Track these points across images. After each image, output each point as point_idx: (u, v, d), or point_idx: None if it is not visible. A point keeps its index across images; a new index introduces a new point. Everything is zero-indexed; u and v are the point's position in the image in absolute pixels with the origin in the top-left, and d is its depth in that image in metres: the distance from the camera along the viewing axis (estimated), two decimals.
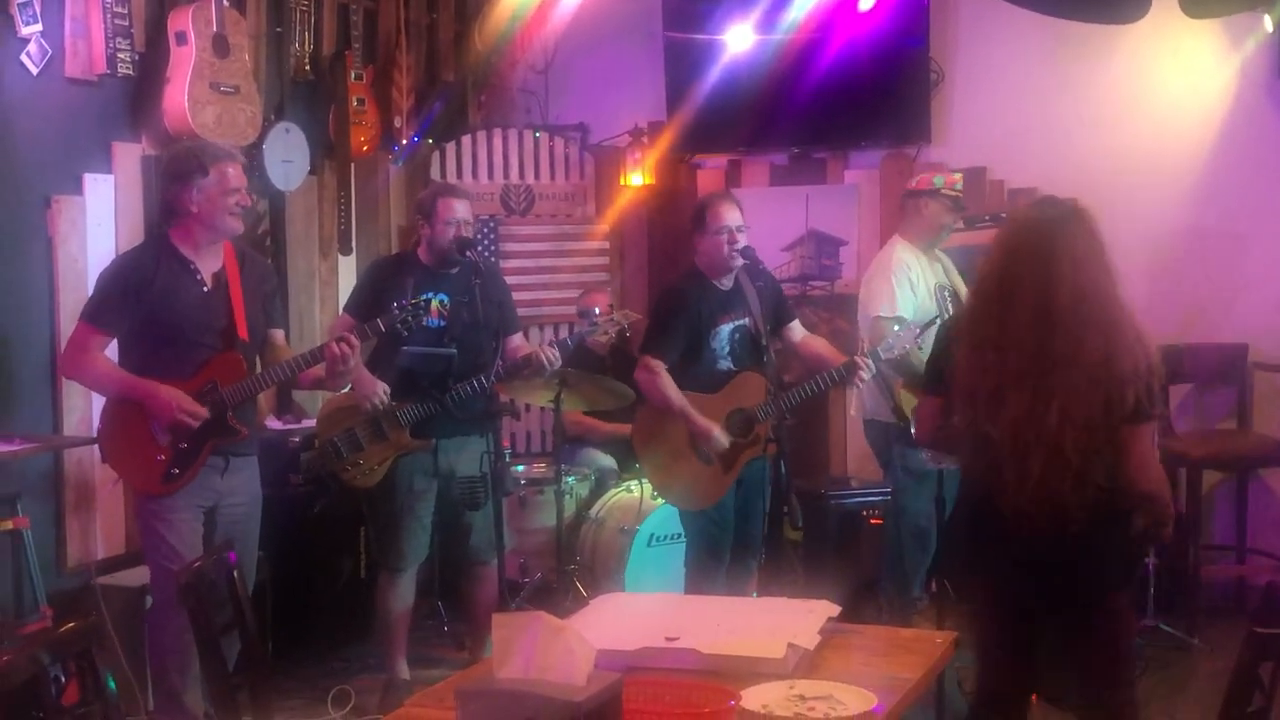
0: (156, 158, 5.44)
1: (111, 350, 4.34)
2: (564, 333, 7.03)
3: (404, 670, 5.07)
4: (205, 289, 4.21)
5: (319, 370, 4.31)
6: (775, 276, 5.49)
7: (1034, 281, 3.19)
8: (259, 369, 4.31)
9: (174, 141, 5.37)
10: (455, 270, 4.90)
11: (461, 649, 5.52)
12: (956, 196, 5.39)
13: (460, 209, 4.91)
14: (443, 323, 4.83)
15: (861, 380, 4.88)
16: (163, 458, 4.14)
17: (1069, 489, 3.15)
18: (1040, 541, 3.21)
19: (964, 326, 3.37)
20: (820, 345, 5.21)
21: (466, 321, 4.84)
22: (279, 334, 4.48)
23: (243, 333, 4.22)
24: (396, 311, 4.44)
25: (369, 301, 4.86)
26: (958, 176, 5.52)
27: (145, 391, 4.11)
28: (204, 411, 4.11)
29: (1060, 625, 3.36)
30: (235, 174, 4.20)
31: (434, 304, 4.74)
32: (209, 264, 4.23)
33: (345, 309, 5.07)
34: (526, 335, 5.76)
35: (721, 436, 4.83)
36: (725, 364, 4.94)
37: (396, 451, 4.86)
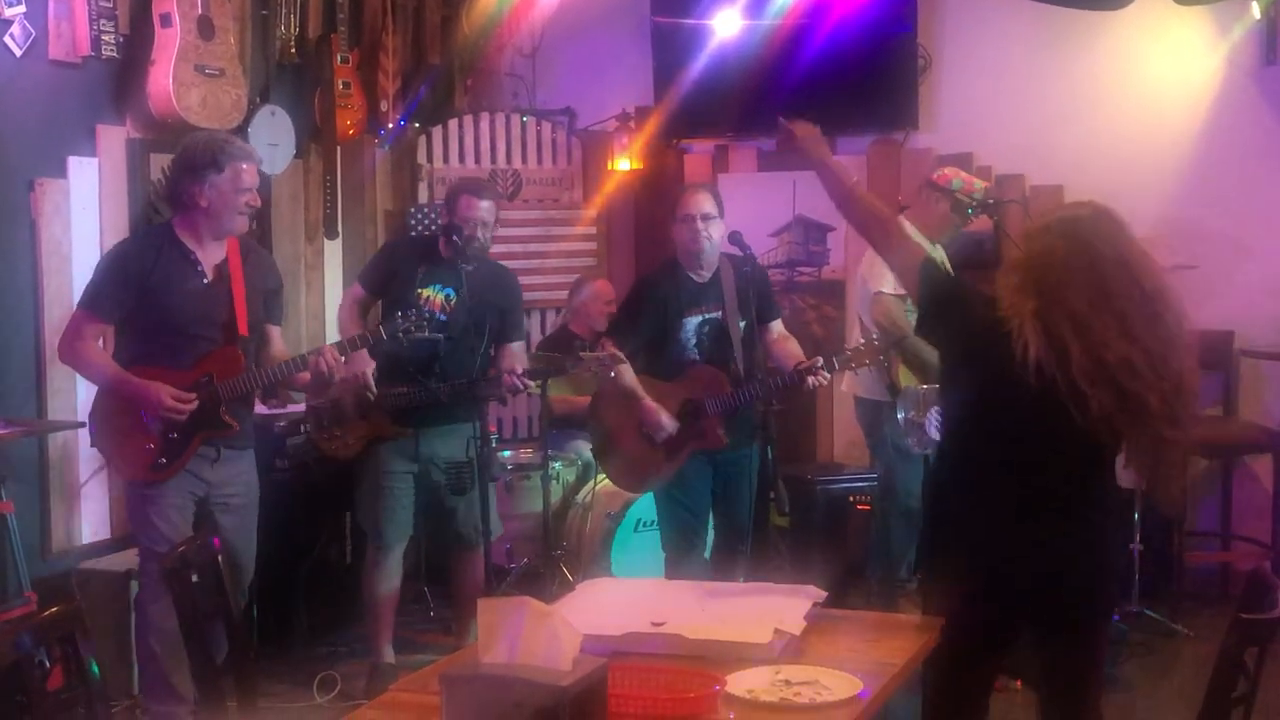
0: (144, 140, 5.42)
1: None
2: (550, 318, 7.07)
3: (389, 654, 5.07)
4: (206, 280, 4.19)
5: (305, 375, 4.31)
6: (764, 268, 5.41)
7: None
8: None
9: (159, 124, 5.35)
10: (471, 268, 4.89)
11: (448, 634, 5.51)
12: (966, 204, 5.33)
13: (481, 209, 4.89)
14: (444, 317, 4.83)
15: (821, 382, 4.75)
16: (151, 446, 4.13)
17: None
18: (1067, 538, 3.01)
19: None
20: (791, 349, 5.06)
21: (464, 322, 4.85)
22: (275, 331, 4.46)
23: (243, 328, 4.20)
24: (400, 320, 4.42)
25: (381, 277, 5.03)
26: (980, 185, 5.44)
27: (133, 390, 4.10)
28: (192, 398, 4.10)
29: (1055, 642, 3.15)
30: (250, 174, 4.18)
31: (438, 298, 4.80)
32: (211, 256, 4.21)
33: (359, 279, 5.18)
34: None
35: (669, 423, 4.82)
36: (693, 356, 4.92)
37: (372, 434, 4.89)
